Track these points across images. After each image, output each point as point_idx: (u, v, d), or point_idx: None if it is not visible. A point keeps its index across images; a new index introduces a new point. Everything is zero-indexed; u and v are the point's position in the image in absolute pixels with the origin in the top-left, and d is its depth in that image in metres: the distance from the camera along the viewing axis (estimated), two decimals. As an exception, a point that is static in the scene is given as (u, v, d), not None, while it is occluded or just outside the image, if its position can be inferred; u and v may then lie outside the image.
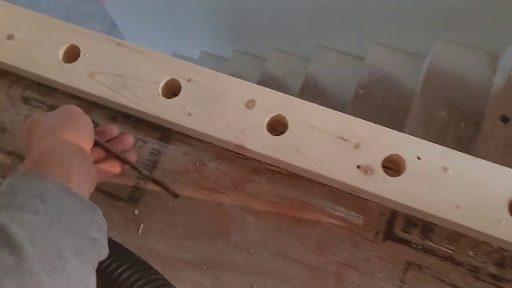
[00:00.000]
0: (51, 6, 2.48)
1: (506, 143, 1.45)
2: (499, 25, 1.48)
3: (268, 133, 0.47)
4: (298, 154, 0.47)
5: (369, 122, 0.47)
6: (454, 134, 1.64)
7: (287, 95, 0.49)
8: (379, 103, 1.90)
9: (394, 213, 0.48)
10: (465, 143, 1.63)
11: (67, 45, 0.52)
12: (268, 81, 2.32)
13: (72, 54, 0.52)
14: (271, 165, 0.50)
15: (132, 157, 0.47)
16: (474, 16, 1.47)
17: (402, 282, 0.46)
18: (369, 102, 1.90)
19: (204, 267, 0.47)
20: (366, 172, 0.46)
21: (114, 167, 0.45)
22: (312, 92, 2.14)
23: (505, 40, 1.50)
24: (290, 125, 0.47)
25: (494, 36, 1.55)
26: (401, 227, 0.48)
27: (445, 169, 0.45)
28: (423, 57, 1.81)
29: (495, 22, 1.47)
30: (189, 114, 0.48)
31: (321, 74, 2.10)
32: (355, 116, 0.47)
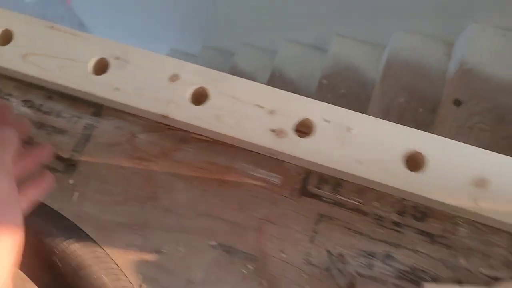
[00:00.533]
0: (19, 9, 2.46)
1: (458, 125, 1.52)
2: (453, 14, 1.55)
3: (191, 104, 0.52)
4: (218, 122, 0.51)
5: (284, 91, 0.52)
6: (413, 118, 1.71)
7: (210, 69, 0.53)
8: (343, 92, 1.96)
9: (308, 172, 0.53)
10: (423, 126, 1.70)
11: (1, 29, 0.55)
12: (237, 75, 2.34)
13: (5, 38, 0.55)
14: (197, 134, 0.54)
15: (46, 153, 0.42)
16: (430, 5, 1.55)
17: (315, 232, 0.51)
18: (332, 91, 1.97)
19: (135, 227, 0.51)
20: (279, 135, 0.50)
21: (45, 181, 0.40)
22: (279, 84, 2.19)
23: (461, 27, 1.57)
24: (211, 96, 0.52)
25: (449, 25, 1.63)
26: (314, 184, 0.52)
27: (349, 129, 0.50)
28: (384, 47, 1.87)
29: (449, 11, 1.54)
30: (117, 89, 0.52)
31: (287, 67, 2.15)
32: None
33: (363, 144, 0.50)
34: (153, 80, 0.52)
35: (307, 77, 2.12)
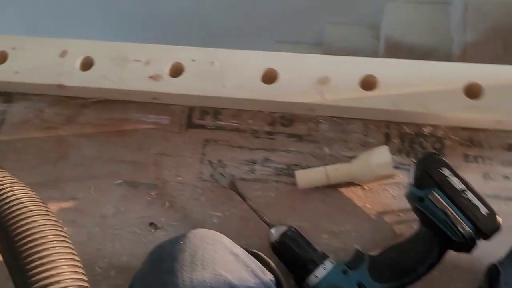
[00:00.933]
0: None
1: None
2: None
3: (80, 71, 0.62)
4: (105, 80, 0.61)
5: (154, 44, 0.62)
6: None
7: (94, 41, 0.64)
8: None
9: (192, 108, 0.62)
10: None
11: None
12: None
13: None
14: (93, 98, 0.64)
15: None
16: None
17: (203, 154, 0.60)
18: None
19: (51, 184, 0.60)
20: (156, 79, 0.60)
21: None
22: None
23: (380, 10, 1.70)
24: (96, 62, 0.62)
25: (371, 9, 1.77)
26: (198, 117, 0.62)
27: (212, 63, 0.60)
28: (320, 45, 2.00)
29: None
30: (16, 72, 0.62)
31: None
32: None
33: (225, 72, 0.59)
34: (46, 59, 0.62)
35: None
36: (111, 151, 0.61)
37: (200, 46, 0.63)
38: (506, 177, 0.54)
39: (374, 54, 1.85)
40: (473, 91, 0.55)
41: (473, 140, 0.56)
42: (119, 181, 0.59)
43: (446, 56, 1.62)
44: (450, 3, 1.63)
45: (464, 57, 1.46)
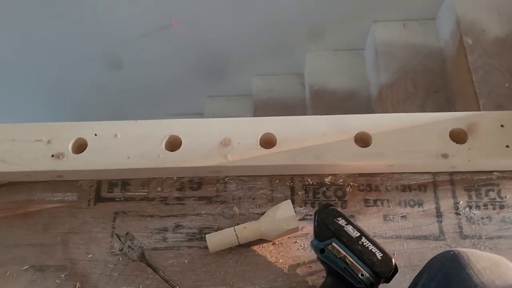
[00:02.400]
0: None
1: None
2: (291, 50, 1.79)
3: (-22, 156, 0.60)
4: (5, 164, 0.59)
5: (55, 123, 0.62)
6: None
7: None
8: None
9: (99, 182, 0.62)
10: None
11: None
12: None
13: None
14: (-4, 182, 0.62)
15: None
16: (273, 49, 1.77)
17: (113, 227, 0.59)
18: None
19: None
20: (59, 157, 0.59)
21: None
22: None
23: (302, 59, 1.80)
24: (-5, 144, 0.61)
25: (293, 59, 1.86)
26: (106, 190, 0.61)
27: (115, 135, 0.61)
28: (250, 95, 2.07)
29: (288, 48, 1.77)
30: None
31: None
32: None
33: (129, 143, 0.60)
34: None
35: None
36: (15, 235, 0.59)
37: (104, 119, 0.63)
38: (404, 217, 0.58)
39: (302, 100, 1.94)
40: (363, 140, 0.59)
41: (371, 184, 0.60)
42: (26, 267, 0.57)
43: (366, 97, 1.72)
44: (364, 48, 1.76)
45: (381, 98, 1.57)
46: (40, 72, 1.73)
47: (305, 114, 1.86)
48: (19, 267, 0.57)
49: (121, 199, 0.61)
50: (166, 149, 0.60)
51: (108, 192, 0.61)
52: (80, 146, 0.61)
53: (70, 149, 0.60)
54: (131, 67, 1.79)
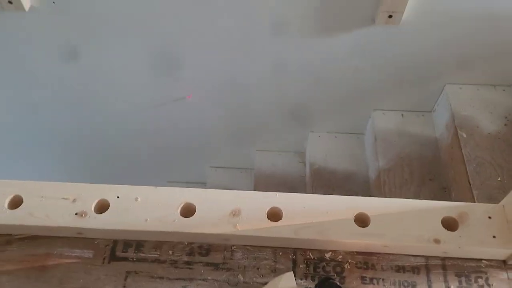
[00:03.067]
0: None
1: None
2: (295, 130, 1.89)
3: (7, 209, 0.65)
4: (32, 217, 0.64)
5: (81, 184, 0.68)
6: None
7: (24, 181, 0.68)
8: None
9: (115, 242, 0.66)
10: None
11: None
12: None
13: None
14: (19, 235, 0.67)
15: None
16: (274, 125, 1.87)
17: (124, 286, 0.63)
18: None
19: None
20: (82, 215, 0.65)
21: None
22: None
23: (304, 138, 1.89)
24: (24, 199, 0.66)
25: (295, 138, 1.95)
26: (121, 250, 0.66)
27: (136, 199, 0.66)
28: (251, 169, 2.14)
29: (291, 128, 1.87)
30: None
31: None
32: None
33: (147, 207, 0.65)
34: (-25, 198, 0.66)
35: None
36: (31, 287, 0.62)
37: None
38: (398, 296, 0.62)
39: (302, 177, 2.00)
40: (362, 220, 0.65)
41: (368, 263, 0.64)
42: (37, 319, 0.60)
43: (364, 179, 1.79)
44: (364, 133, 1.86)
45: (379, 182, 1.64)
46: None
47: (305, 191, 1.92)
48: (30, 319, 0.60)
49: (134, 259, 0.65)
50: (181, 215, 0.65)
51: (123, 251, 0.66)
52: (102, 207, 0.66)
53: (93, 208, 0.65)
54: (137, 135, 1.88)
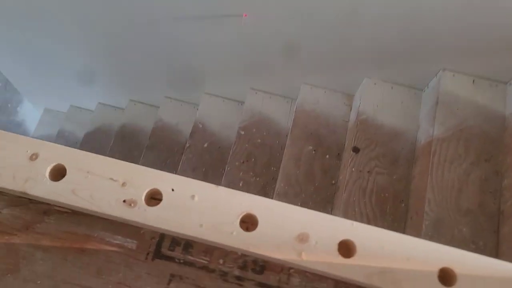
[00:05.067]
0: None
1: (358, 170, 1.66)
2: (350, 71, 1.73)
3: (49, 180, 0.57)
4: (74, 196, 0.57)
5: (135, 165, 0.59)
6: (321, 165, 1.84)
7: (67, 147, 0.59)
8: (259, 142, 2.07)
9: (162, 236, 0.59)
10: (330, 172, 1.83)
11: None
12: (162, 128, 2.43)
13: None
14: (59, 206, 0.59)
15: None
16: (330, 63, 1.71)
17: (166, 292, 0.56)
18: (250, 141, 2.08)
19: (-6, 301, 0.54)
20: (131, 205, 0.56)
21: None
22: (201, 135, 2.28)
23: (357, 81, 1.74)
24: (68, 171, 0.57)
25: (348, 79, 1.81)
26: (167, 247, 0.59)
27: (193, 197, 0.57)
28: (294, 100, 2.03)
29: (346, 68, 1.72)
30: (-23, 169, 0.56)
31: (209, 119, 2.25)
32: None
33: (204, 209, 0.57)
34: (13, 160, 0.57)
35: (227, 128, 2.23)
36: (67, 270, 0.57)
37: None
38: None
39: (345, 122, 1.89)
40: (447, 277, 0.56)
41: (438, 320, 0.57)
42: (71, 309, 0.55)
43: (412, 141, 1.67)
44: (424, 90, 1.69)
45: (429, 150, 1.52)
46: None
47: (344, 139, 1.83)
48: (64, 307, 0.55)
49: (181, 261, 0.58)
50: (240, 227, 0.57)
51: (169, 249, 0.59)
52: (154, 198, 0.57)
53: (143, 198, 0.57)
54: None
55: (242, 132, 2.06)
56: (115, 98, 2.57)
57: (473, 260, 0.56)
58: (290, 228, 0.57)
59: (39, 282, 0.56)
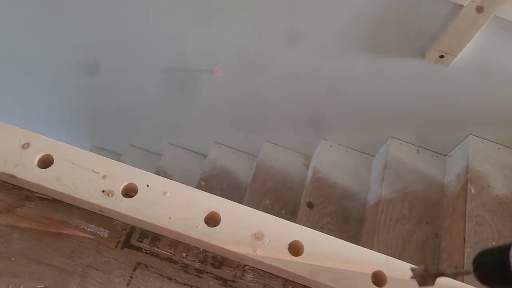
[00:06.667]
0: None
1: (311, 225, 1.75)
2: (308, 133, 1.87)
3: (37, 167, 0.64)
4: (58, 182, 0.63)
5: (117, 162, 0.66)
6: (276, 219, 1.90)
7: (57, 141, 0.67)
8: (218, 193, 2.13)
9: (133, 228, 0.66)
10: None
11: None
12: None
13: None
14: (41, 194, 0.65)
15: None
16: (292, 125, 1.86)
17: (131, 277, 0.62)
18: (210, 192, 2.13)
19: (-31, 273, 0.58)
20: (108, 195, 0.63)
21: None
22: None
23: (315, 143, 1.88)
24: (55, 161, 0.64)
25: (306, 140, 1.95)
26: (136, 238, 0.65)
27: (165, 193, 0.65)
28: (255, 156, 2.13)
29: (305, 131, 1.86)
30: (-28, 151, 0.62)
31: (171, 168, 2.31)
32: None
33: (174, 204, 0.64)
34: (6, 147, 0.64)
35: (188, 178, 2.29)
36: (41, 251, 0.62)
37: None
38: None
39: (301, 180, 2.01)
40: (378, 280, 0.64)
41: (371, 320, 0.65)
42: (41, 286, 0.59)
43: (362, 202, 1.80)
44: (374, 156, 1.85)
45: (377, 209, 1.64)
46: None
47: (300, 196, 1.93)
48: (34, 284, 0.59)
49: (147, 252, 0.64)
50: (204, 222, 0.64)
51: (138, 240, 0.65)
52: (130, 191, 0.65)
53: (120, 190, 0.64)
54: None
55: (203, 183, 2.13)
56: (79, 140, 2.60)
57: (401, 266, 0.66)
58: (248, 227, 0.65)
59: (13, 259, 0.60)
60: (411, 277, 0.52)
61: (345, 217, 1.81)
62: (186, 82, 1.72)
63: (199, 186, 2.12)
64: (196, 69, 1.70)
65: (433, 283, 0.49)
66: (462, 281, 0.63)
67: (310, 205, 1.81)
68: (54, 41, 1.64)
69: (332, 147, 1.92)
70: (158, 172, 2.27)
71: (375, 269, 0.65)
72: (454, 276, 0.47)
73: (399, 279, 0.64)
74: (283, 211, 1.97)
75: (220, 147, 2.23)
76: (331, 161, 1.89)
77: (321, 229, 1.74)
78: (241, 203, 1.94)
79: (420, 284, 0.51)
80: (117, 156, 2.57)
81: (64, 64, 1.79)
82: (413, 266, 0.53)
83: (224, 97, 1.76)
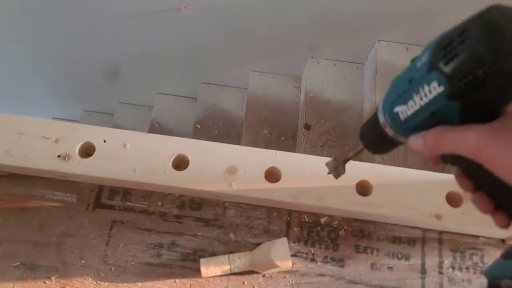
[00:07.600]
0: None
1: (311, 146, 1.72)
2: (293, 53, 1.79)
3: (-17, 144, 0.59)
4: (9, 156, 0.59)
5: (67, 122, 0.62)
6: (277, 147, 1.89)
7: (1, 113, 0.62)
8: (216, 133, 2.11)
9: (101, 188, 0.62)
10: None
11: None
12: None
13: None
14: (-3, 171, 0.62)
15: None
16: (273, 46, 1.77)
17: (109, 236, 0.60)
18: (207, 134, 2.11)
19: None
20: (65, 158, 0.59)
21: None
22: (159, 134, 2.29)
23: (302, 63, 1.80)
24: (0, 134, 0.60)
25: (293, 62, 1.87)
26: (107, 197, 0.62)
27: (125, 145, 0.61)
28: (246, 89, 2.07)
29: (290, 50, 1.77)
30: None
31: (164, 118, 2.27)
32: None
33: (137, 155, 0.60)
34: None
35: (184, 124, 2.25)
36: (10, 229, 0.59)
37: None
38: (390, 268, 0.60)
39: (295, 104, 1.96)
40: (363, 188, 0.61)
41: (364, 231, 0.62)
42: (17, 263, 0.57)
43: (358, 113, 1.75)
44: (364, 64, 1.78)
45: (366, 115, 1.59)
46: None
47: (297, 118, 1.89)
48: (9, 263, 0.57)
49: (121, 208, 0.61)
50: (172, 167, 0.60)
51: (109, 199, 0.62)
52: (87, 150, 0.61)
53: (77, 151, 0.60)
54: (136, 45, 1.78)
55: (199, 126, 2.10)
56: (67, 110, 2.55)
57: (385, 171, 0.62)
58: (219, 163, 0.61)
59: (-18, 242, 0.58)
60: (328, 173, 0.49)
61: (343, 131, 1.77)
62: (154, 26, 1.63)
63: (195, 130, 2.08)
64: (160, 9, 1.60)
65: (344, 170, 0.48)
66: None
67: (307, 127, 1.77)
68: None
69: (320, 63, 1.84)
70: (152, 124, 2.23)
71: (360, 179, 0.61)
72: (355, 156, 0.46)
73: (385, 185, 0.61)
74: (283, 138, 1.94)
75: (208, 86, 2.16)
76: (321, 78, 1.83)
77: (322, 148, 1.71)
78: (239, 138, 1.92)
79: (336, 177, 0.48)
80: (109, 116, 2.52)
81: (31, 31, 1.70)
82: (327, 160, 0.49)
83: (198, 34, 1.67)
